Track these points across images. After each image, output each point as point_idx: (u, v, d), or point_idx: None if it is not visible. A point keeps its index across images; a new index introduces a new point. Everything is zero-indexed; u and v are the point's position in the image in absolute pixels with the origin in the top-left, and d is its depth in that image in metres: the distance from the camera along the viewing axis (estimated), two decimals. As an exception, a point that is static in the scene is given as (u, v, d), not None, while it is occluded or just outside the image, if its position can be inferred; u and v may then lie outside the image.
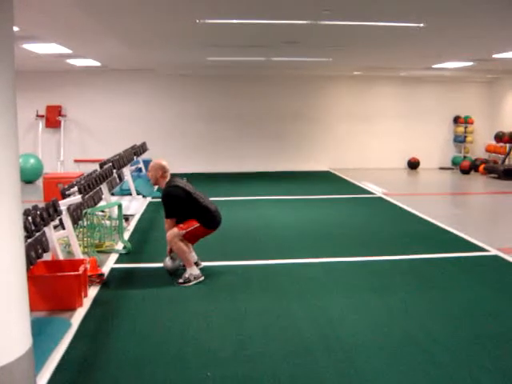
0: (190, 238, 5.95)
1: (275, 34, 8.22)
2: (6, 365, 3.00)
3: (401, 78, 15.85)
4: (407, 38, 8.42)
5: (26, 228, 4.80)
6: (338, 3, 5.94)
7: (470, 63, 12.23)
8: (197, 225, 5.88)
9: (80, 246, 6.51)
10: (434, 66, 13.25)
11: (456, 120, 16.52)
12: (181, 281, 5.79)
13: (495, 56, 10.55)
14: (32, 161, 13.43)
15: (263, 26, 7.41)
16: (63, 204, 6.05)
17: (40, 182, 12.17)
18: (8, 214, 3.00)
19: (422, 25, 7.03)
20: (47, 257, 5.66)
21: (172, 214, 5.91)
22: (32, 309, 4.77)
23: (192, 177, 9.66)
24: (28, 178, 13.35)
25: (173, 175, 6.15)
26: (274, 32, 7.98)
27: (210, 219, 5.99)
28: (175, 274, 6.02)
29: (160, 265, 6.22)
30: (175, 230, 5.84)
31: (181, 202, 5.88)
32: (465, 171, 15.39)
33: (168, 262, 6.06)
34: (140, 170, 13.17)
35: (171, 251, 6.03)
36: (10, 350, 3.05)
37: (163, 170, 6.05)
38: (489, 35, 8.10)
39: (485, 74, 14.91)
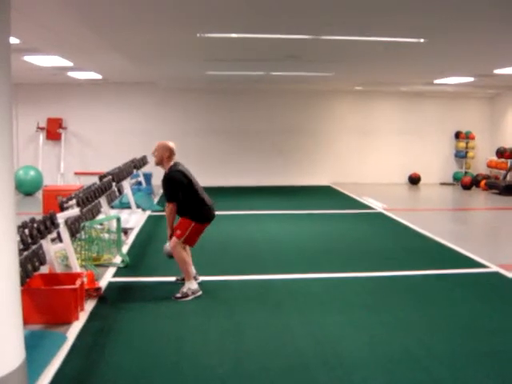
0: (189, 240, 5.88)
1: (276, 49, 8.22)
2: (-2, 379, 2.97)
3: (402, 93, 15.87)
4: (408, 53, 8.43)
5: (22, 240, 4.77)
6: (339, 18, 5.95)
7: (471, 79, 12.25)
8: (192, 224, 5.80)
9: (78, 259, 6.47)
10: (435, 82, 13.27)
11: (457, 135, 16.51)
12: (178, 295, 5.73)
13: (496, 71, 10.57)
14: (32, 173, 13.43)
15: (264, 41, 7.42)
16: (61, 217, 6.02)
17: (39, 194, 12.15)
18: (2, 226, 2.97)
19: (422, 40, 7.03)
20: (44, 269, 5.62)
21: (173, 197, 5.84)
22: (27, 322, 4.74)
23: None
24: (28, 190, 13.35)
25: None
26: (275, 46, 7.98)
27: (203, 213, 5.91)
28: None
29: (158, 279, 6.17)
30: (174, 239, 5.80)
31: (181, 187, 5.83)
32: (466, 187, 15.37)
33: (168, 247, 5.95)
34: (140, 183, 13.14)
35: (171, 236, 5.90)
36: (2, 363, 3.01)
37: (171, 151, 5.96)
38: (489, 51, 8.10)
39: (486, 89, 14.93)
